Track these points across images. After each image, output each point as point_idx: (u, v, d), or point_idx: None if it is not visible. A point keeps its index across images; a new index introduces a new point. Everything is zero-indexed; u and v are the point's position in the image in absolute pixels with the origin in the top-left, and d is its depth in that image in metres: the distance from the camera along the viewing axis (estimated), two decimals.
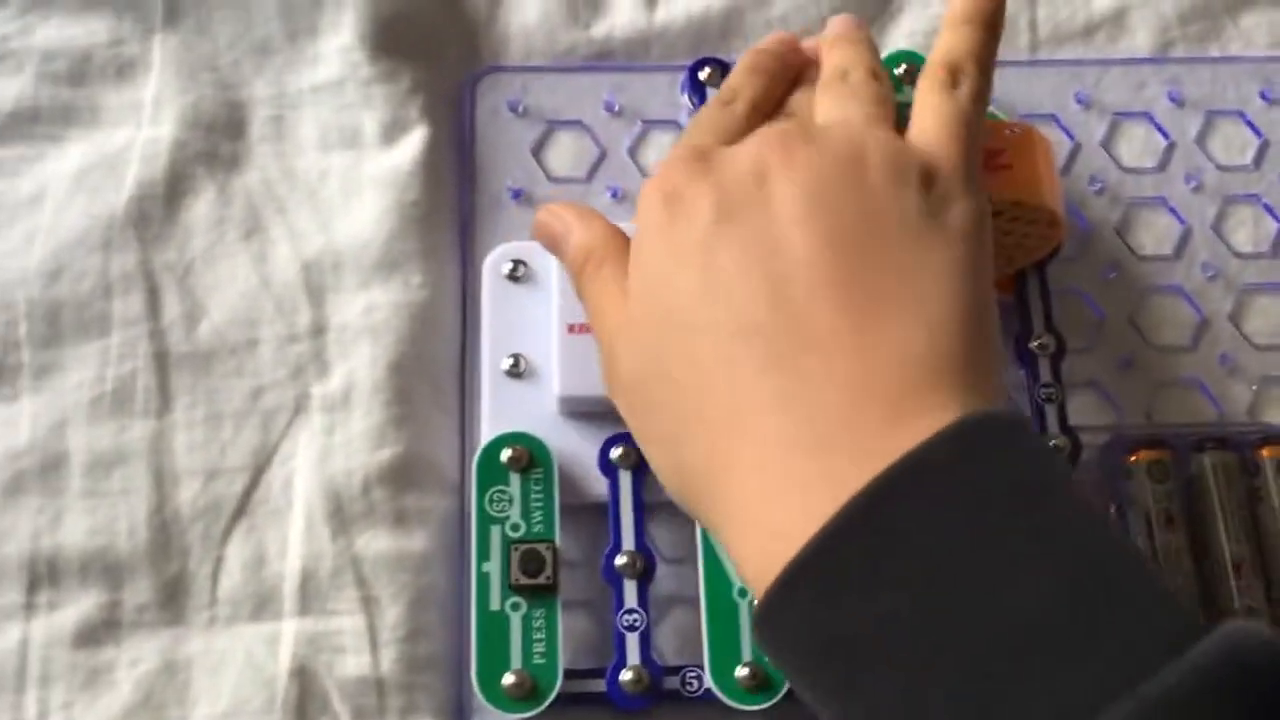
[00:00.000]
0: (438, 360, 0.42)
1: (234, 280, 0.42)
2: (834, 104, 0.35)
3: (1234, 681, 0.24)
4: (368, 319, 0.41)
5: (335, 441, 0.40)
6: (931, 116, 0.34)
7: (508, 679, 0.37)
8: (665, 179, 0.34)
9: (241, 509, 0.40)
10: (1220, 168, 0.47)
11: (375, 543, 0.39)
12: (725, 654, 0.38)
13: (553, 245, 0.38)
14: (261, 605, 0.39)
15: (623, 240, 0.36)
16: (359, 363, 0.41)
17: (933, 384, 0.29)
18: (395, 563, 0.39)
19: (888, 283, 0.31)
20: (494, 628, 0.38)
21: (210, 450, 0.40)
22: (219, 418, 0.40)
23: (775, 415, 0.30)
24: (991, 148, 0.39)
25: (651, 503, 0.40)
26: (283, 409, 0.41)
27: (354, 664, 0.38)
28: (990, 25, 0.36)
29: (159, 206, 0.43)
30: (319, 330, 0.42)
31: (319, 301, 0.42)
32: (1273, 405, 0.44)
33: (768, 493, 0.30)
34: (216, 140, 0.44)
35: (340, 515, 0.39)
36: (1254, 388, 0.44)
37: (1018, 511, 0.27)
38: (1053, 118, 0.47)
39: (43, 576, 0.38)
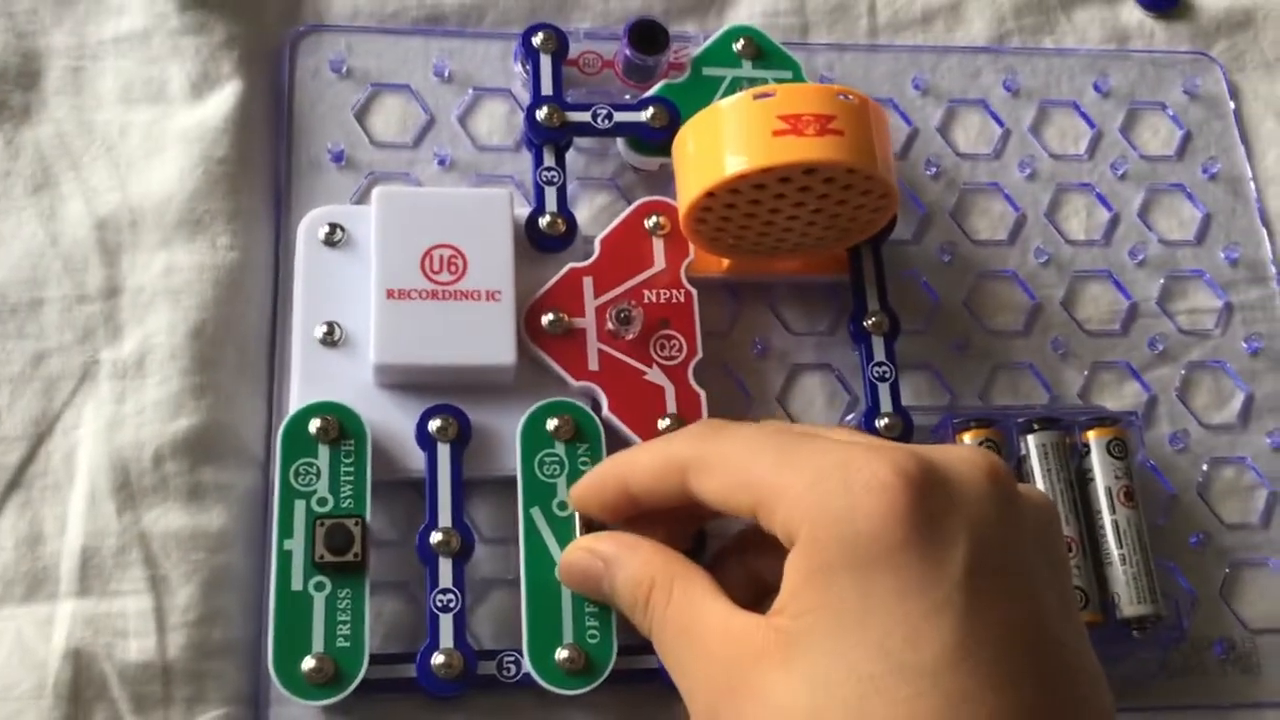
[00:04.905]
0: (244, 326, 0.39)
1: (18, 237, 0.39)
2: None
3: None
4: (167, 281, 0.38)
5: (125, 411, 0.37)
6: None
7: (307, 663, 0.34)
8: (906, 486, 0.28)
9: (16, 482, 0.36)
10: (1054, 156, 0.47)
11: (166, 519, 0.36)
12: (545, 636, 0.35)
13: (594, 586, 0.34)
14: (36, 585, 0.35)
15: (677, 557, 0.33)
16: (156, 327, 0.38)
17: None
18: (188, 541, 0.36)
19: None
20: (294, 609, 0.35)
21: None
22: None
23: None
24: (822, 112, 0.37)
25: (471, 479, 0.37)
26: (68, 375, 0.37)
27: (137, 648, 0.35)
28: None
29: None
30: (112, 291, 0.38)
31: (113, 261, 0.39)
32: (1104, 390, 0.43)
33: None
34: (7, 91, 0.40)
35: (128, 489, 0.36)
36: (1085, 373, 0.43)
37: None
38: (890, 102, 0.46)
39: None
